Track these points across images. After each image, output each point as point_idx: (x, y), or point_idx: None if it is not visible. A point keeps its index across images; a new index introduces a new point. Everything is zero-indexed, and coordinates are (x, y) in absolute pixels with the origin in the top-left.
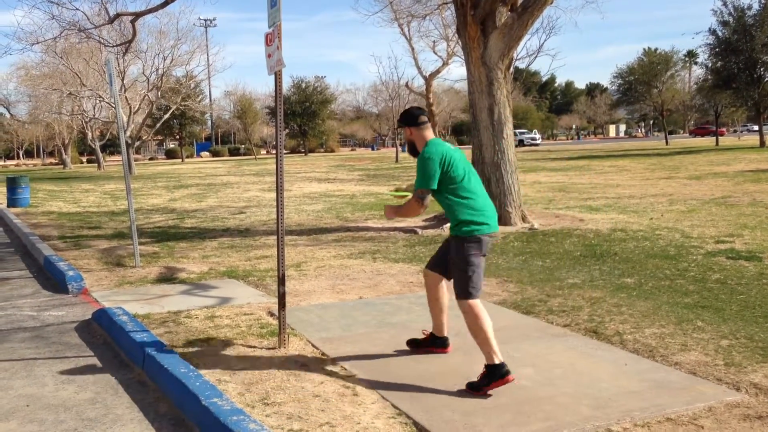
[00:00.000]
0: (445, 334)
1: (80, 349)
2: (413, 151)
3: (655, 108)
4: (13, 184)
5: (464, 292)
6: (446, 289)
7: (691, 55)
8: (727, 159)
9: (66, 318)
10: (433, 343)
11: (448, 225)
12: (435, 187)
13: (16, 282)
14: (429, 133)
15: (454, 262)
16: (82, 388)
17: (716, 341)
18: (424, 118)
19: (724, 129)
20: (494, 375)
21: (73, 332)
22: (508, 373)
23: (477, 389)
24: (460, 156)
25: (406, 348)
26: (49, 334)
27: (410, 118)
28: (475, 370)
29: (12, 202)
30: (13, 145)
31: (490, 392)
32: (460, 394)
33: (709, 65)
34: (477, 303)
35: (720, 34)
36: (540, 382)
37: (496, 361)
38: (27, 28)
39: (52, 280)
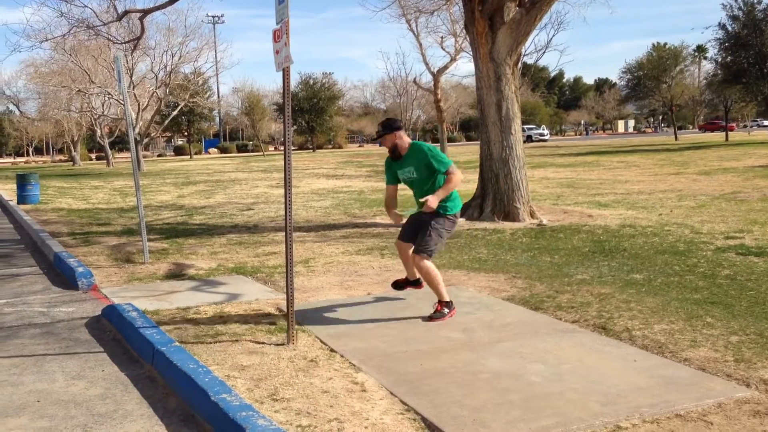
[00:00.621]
0: (417, 277)
1: (90, 345)
2: (396, 153)
3: (664, 103)
4: (23, 181)
5: (429, 252)
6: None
7: (700, 49)
8: (737, 154)
9: (76, 314)
10: (412, 283)
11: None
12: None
13: (27, 278)
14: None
15: (432, 229)
16: (92, 383)
17: (726, 337)
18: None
19: (733, 124)
20: (449, 306)
21: (83, 328)
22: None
23: (438, 317)
24: None
25: (416, 343)
26: (60, 330)
27: (397, 123)
28: (484, 365)
29: (22, 198)
30: (22, 142)
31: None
32: (468, 389)
33: (719, 60)
34: (430, 262)
35: (730, 28)
36: (549, 378)
37: (447, 299)
38: (36, 25)
39: (62, 276)
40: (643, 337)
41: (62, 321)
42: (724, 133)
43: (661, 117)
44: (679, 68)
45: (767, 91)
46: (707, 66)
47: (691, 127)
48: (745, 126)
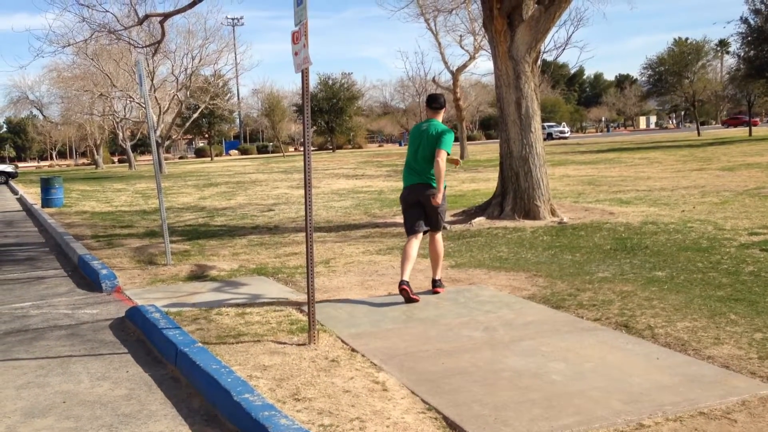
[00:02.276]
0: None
1: (114, 347)
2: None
3: (687, 99)
4: (47, 185)
5: (441, 226)
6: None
7: (722, 44)
8: (761, 149)
9: (100, 316)
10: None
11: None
12: None
13: (52, 281)
14: None
15: (439, 208)
16: (117, 384)
17: (750, 334)
18: None
19: (757, 119)
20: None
21: (107, 330)
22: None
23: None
24: None
25: (436, 342)
26: (84, 331)
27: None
28: (506, 364)
29: (46, 202)
30: (46, 146)
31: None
32: (490, 388)
33: (742, 54)
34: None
35: (752, 22)
36: (570, 377)
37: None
38: (58, 30)
39: (87, 278)
40: (665, 334)
41: (87, 323)
42: (748, 128)
43: (683, 113)
44: (701, 63)
45: None
46: (730, 60)
47: (713, 122)
48: None
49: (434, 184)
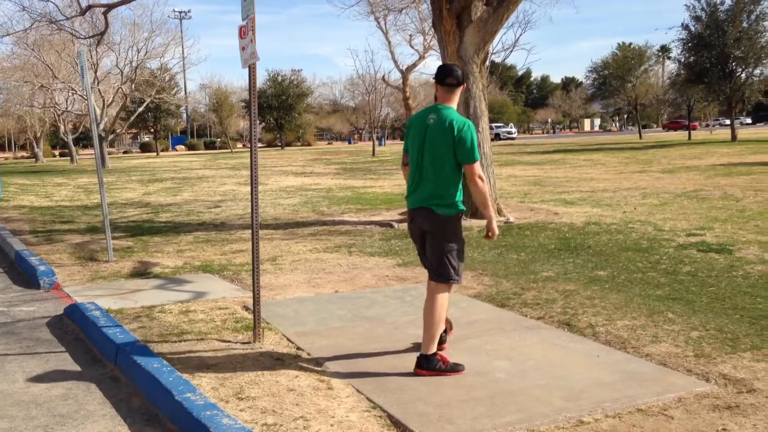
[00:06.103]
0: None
1: (52, 345)
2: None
3: (629, 102)
4: None
5: (447, 276)
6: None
7: (664, 50)
8: (699, 153)
9: (37, 313)
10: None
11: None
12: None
13: None
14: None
15: (445, 246)
16: (54, 384)
17: (686, 333)
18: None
19: (696, 123)
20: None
21: (44, 328)
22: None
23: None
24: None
25: (382, 341)
26: (20, 329)
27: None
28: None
29: None
30: None
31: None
32: (434, 386)
33: (682, 60)
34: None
35: (693, 29)
36: (513, 375)
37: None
38: None
39: (24, 275)
40: (606, 332)
41: (23, 320)
42: (687, 131)
43: (626, 116)
44: (644, 68)
45: (729, 90)
46: (671, 66)
47: (655, 125)
48: (707, 125)
49: (442, 212)
